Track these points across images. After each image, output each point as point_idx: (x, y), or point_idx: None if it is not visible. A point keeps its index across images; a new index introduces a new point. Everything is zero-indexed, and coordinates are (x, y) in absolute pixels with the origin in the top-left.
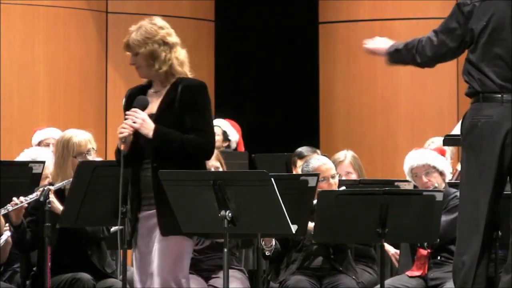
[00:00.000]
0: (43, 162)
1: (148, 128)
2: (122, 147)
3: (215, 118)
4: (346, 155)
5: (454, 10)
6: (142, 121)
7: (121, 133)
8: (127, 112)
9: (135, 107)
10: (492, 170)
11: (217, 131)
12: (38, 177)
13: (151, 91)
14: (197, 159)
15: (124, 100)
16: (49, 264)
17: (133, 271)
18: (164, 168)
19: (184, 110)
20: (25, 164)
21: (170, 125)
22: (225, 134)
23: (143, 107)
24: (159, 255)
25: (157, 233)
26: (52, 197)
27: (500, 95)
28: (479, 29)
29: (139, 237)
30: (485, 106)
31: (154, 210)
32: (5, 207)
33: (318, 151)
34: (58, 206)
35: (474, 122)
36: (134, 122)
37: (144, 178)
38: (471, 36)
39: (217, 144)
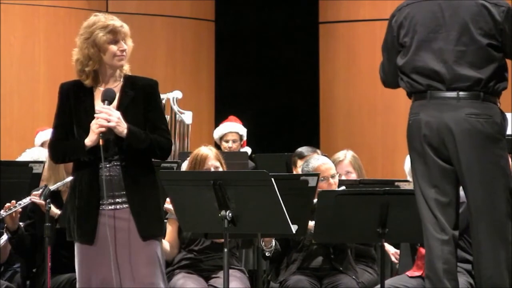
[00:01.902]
0: (43, 162)
1: (123, 126)
2: (101, 142)
3: (219, 119)
4: (346, 155)
5: (387, 25)
6: (118, 119)
7: (101, 126)
8: (99, 109)
9: (104, 100)
10: (423, 170)
11: (235, 136)
12: (38, 177)
13: (100, 88)
14: (155, 158)
15: (60, 94)
16: (49, 264)
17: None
18: (131, 167)
19: (146, 108)
20: (25, 164)
21: (134, 123)
22: (241, 137)
23: (112, 100)
24: (135, 261)
25: (128, 236)
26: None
27: (427, 93)
28: (402, 35)
29: (99, 234)
30: (416, 105)
31: (119, 210)
32: None
33: (318, 151)
34: (53, 209)
35: (408, 122)
36: (108, 121)
37: (107, 177)
38: (399, 43)
39: (235, 147)
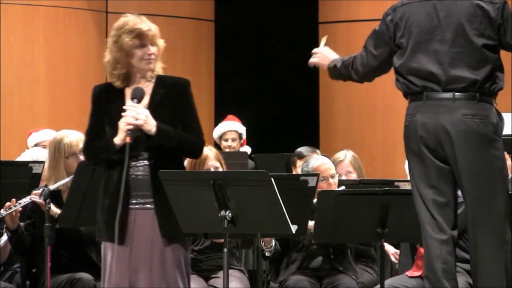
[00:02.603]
0: (43, 162)
1: (151, 124)
2: (128, 140)
3: (220, 119)
4: (346, 155)
5: (380, 22)
6: (146, 117)
7: (128, 124)
8: (126, 107)
9: (133, 98)
10: (421, 171)
11: (234, 135)
12: (38, 177)
13: (131, 88)
14: (186, 156)
15: (92, 96)
16: (49, 264)
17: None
18: (160, 165)
19: (177, 107)
20: (25, 164)
21: (164, 121)
22: (241, 136)
23: (141, 98)
24: (160, 264)
25: (151, 236)
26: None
27: (423, 94)
28: (399, 36)
29: (128, 232)
30: (412, 106)
31: (144, 210)
32: None
33: (318, 151)
34: (54, 209)
35: (404, 123)
36: (136, 119)
37: (135, 176)
38: (395, 44)
39: (234, 145)
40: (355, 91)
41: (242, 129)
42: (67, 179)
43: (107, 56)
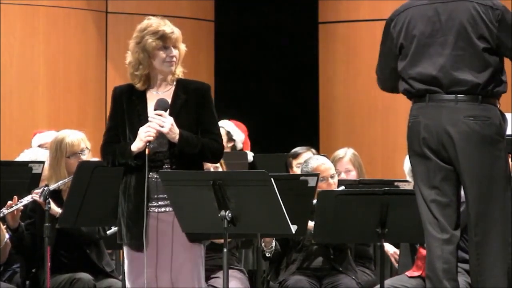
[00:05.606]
0: (43, 162)
1: (175, 132)
2: (147, 151)
3: (219, 119)
4: (346, 152)
5: (383, 30)
6: (171, 125)
7: (149, 136)
8: (152, 116)
9: (156, 109)
10: (423, 172)
11: (221, 132)
12: (38, 177)
13: (152, 91)
14: (206, 161)
15: (113, 97)
16: (49, 264)
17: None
18: (181, 170)
19: (198, 112)
20: (25, 164)
21: (186, 126)
22: (229, 135)
23: (165, 110)
24: (182, 264)
25: (171, 239)
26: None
27: (426, 96)
28: (401, 40)
29: (150, 236)
30: (415, 107)
31: (164, 213)
32: (1, 210)
33: (313, 149)
34: (54, 208)
35: (408, 124)
36: (161, 126)
37: (156, 180)
38: (398, 48)
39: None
40: (355, 91)
41: (231, 127)
42: (67, 179)
43: (129, 58)
